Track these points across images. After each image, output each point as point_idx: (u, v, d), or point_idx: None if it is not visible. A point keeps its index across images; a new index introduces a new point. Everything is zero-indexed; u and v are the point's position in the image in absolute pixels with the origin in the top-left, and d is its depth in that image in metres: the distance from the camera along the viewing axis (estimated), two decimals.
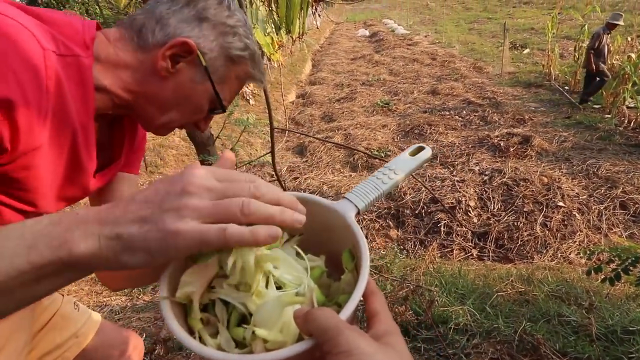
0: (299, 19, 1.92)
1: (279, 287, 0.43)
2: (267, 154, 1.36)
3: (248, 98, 8.34)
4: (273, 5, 1.98)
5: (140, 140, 0.80)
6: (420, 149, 0.57)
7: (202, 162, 1.33)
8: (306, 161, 5.79)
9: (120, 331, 1.02)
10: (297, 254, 0.48)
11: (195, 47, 0.62)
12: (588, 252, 1.65)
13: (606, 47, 6.44)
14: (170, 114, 0.67)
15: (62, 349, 0.85)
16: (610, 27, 6.36)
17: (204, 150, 1.29)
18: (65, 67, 0.52)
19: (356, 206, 0.50)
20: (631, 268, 1.36)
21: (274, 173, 5.21)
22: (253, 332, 0.39)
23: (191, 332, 0.41)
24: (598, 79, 6.42)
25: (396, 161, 0.56)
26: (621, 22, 6.38)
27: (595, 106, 6.45)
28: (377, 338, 0.36)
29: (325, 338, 0.33)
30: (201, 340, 0.41)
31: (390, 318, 0.39)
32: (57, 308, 0.87)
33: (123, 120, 0.73)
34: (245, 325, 0.40)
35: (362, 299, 0.40)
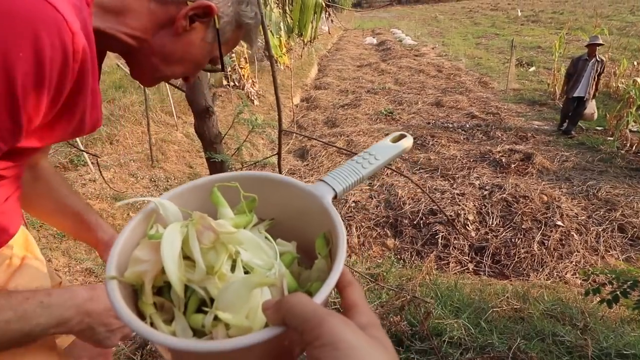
0: (312, 23, 1.93)
1: (246, 273, 0.39)
2: (273, 155, 1.35)
3: (252, 99, 8.36)
4: (287, 8, 1.99)
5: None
6: (402, 136, 0.55)
7: (208, 160, 1.33)
8: (307, 165, 5.79)
9: None
10: (266, 238, 0.44)
11: (216, 11, 0.64)
12: (587, 273, 1.65)
13: (585, 73, 6.03)
14: (173, 67, 0.70)
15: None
16: (590, 51, 6.02)
17: (211, 147, 1.29)
18: (87, 37, 0.52)
19: (334, 189, 0.46)
20: (630, 291, 1.36)
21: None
22: (215, 318, 0.35)
23: (142, 317, 0.37)
24: (576, 105, 6.22)
25: (376, 147, 0.53)
26: (599, 41, 6.05)
27: (598, 128, 6.48)
28: (361, 329, 0.31)
29: (305, 327, 0.29)
30: (153, 326, 0.36)
31: (371, 310, 0.35)
32: None
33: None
34: (206, 309, 0.36)
35: (336, 291, 0.37)
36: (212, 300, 0.37)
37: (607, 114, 6.51)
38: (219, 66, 0.76)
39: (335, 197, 0.46)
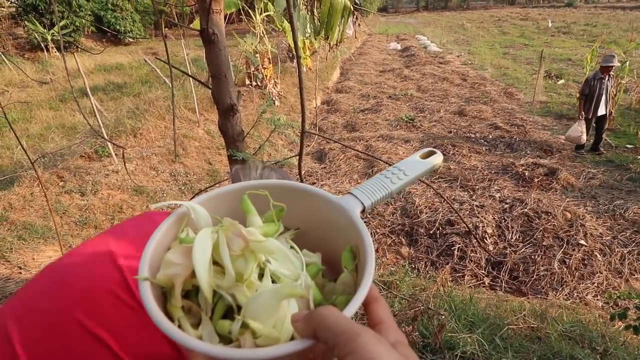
0: (339, 26, 1.92)
1: (273, 282, 0.40)
2: (294, 156, 1.35)
3: (274, 99, 8.42)
4: (315, 10, 1.99)
5: None
6: (432, 153, 0.54)
7: (230, 157, 1.33)
8: (324, 168, 5.79)
9: None
10: (291, 248, 0.45)
11: None
12: (612, 296, 1.58)
13: (604, 91, 5.74)
14: None
15: None
16: (603, 71, 5.72)
17: (234, 145, 1.29)
18: None
19: (362, 203, 0.46)
20: None
21: (295, 175, 5.19)
22: (241, 326, 0.35)
23: (170, 319, 0.37)
24: (595, 125, 5.96)
25: (406, 162, 0.52)
26: (615, 63, 5.68)
27: (628, 145, 6.25)
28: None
29: (339, 341, 0.29)
30: (181, 329, 0.36)
31: (397, 327, 0.35)
32: None
33: None
34: (237, 316, 0.36)
35: (361, 306, 0.36)
36: (239, 307, 0.37)
37: (638, 132, 6.28)
38: None
39: (363, 211, 0.46)
